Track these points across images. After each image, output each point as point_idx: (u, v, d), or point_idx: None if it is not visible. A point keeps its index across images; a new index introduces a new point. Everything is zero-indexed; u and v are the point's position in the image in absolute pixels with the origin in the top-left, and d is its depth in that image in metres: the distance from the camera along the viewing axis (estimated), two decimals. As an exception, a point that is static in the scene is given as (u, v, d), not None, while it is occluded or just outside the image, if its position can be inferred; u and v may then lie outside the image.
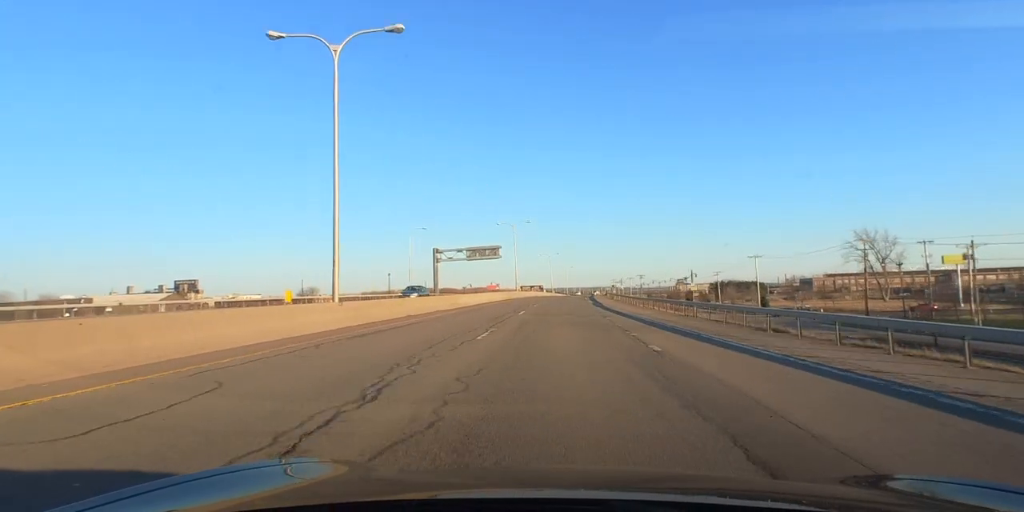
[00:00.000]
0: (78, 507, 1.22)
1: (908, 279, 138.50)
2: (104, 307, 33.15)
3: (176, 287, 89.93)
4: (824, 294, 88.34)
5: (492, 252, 63.00)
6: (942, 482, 1.80)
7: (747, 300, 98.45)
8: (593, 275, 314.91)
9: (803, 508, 1.35)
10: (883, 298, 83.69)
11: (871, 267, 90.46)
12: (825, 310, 68.73)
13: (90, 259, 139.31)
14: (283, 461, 3.47)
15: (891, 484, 1.81)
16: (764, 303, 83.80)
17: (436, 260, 64.21)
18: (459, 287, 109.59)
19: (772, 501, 1.37)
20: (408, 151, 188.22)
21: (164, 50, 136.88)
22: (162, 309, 30.80)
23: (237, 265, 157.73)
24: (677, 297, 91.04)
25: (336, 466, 2.35)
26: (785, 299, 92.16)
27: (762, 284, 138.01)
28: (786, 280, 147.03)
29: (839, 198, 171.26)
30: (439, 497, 1.51)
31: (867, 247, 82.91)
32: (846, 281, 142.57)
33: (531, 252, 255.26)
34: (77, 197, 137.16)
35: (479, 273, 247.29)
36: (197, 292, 78.81)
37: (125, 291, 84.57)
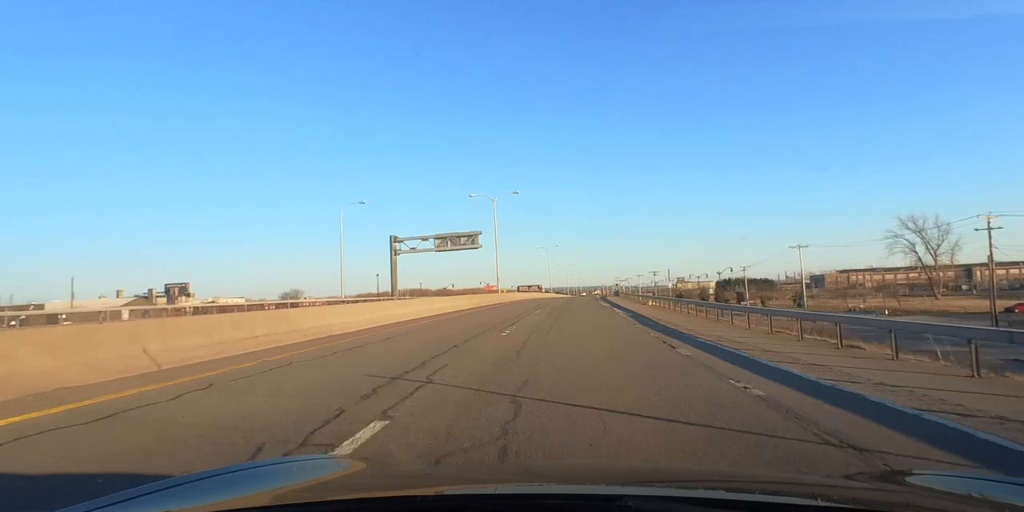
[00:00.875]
0: (97, 504, 1.21)
1: (926, 274, 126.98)
2: (58, 314, 28.29)
3: (166, 290, 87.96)
4: (889, 292, 74.60)
5: (469, 240, 47.30)
6: (961, 477, 1.84)
7: (772, 299, 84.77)
8: (593, 274, 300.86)
9: (822, 504, 1.25)
10: (935, 295, 70.79)
11: (919, 260, 77.58)
12: (890, 313, 55.38)
13: (86, 262, 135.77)
14: (299, 458, 3.13)
15: (910, 480, 1.72)
16: (800, 304, 70.05)
17: (394, 252, 48.34)
18: (443, 287, 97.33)
19: (790, 497, 1.33)
20: (408, 149, 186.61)
21: (158, 55, 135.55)
22: (125, 316, 25.16)
23: (231, 267, 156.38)
24: (691, 296, 77.72)
25: (353, 463, 2.22)
26: (811, 299, 78.00)
27: (769, 281, 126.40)
28: (787, 277, 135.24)
29: (850, 193, 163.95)
30: (453, 492, 1.47)
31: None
32: (860, 277, 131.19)
33: (527, 249, 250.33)
34: (72, 199, 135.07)
35: (461, 270, 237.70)
36: (188, 295, 79.22)
37: (115, 295, 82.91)
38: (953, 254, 74.37)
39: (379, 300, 31.04)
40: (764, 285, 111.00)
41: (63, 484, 3.68)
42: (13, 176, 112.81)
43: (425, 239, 48.51)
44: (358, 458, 2.56)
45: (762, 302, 71.48)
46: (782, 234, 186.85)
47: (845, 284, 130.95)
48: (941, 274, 74.77)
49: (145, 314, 26.47)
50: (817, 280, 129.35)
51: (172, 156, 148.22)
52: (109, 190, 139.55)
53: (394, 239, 48.35)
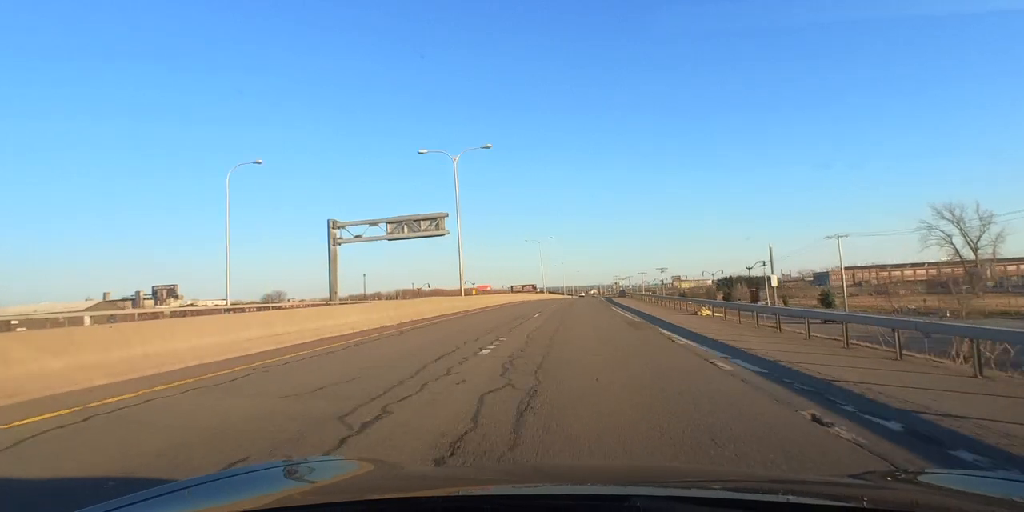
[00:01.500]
0: (107, 507, 1.19)
1: (934, 270, 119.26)
2: (10, 320, 24.04)
3: (154, 292, 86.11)
4: (913, 290, 65.04)
5: (432, 224, 35.86)
6: (974, 476, 1.75)
7: (793, 298, 74.99)
8: (591, 273, 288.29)
9: (831, 504, 1.25)
10: (975, 293, 61.71)
11: (956, 253, 68.44)
12: (951, 314, 45.76)
13: (87, 263, 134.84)
14: (308, 460, 2.83)
15: (921, 479, 1.68)
16: (829, 304, 60.31)
17: (333, 241, 36.71)
18: (412, 288, 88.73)
19: (798, 497, 1.30)
20: (407, 149, 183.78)
21: (147, 57, 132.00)
22: (87, 322, 21.13)
23: (222, 269, 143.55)
24: (691, 295, 67.87)
25: (361, 464, 2.09)
26: (837, 298, 68.11)
27: (771, 279, 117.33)
28: (784, 275, 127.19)
29: (856, 190, 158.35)
30: (462, 493, 1.43)
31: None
32: (865, 274, 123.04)
33: (523, 249, 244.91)
34: (71, 201, 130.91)
35: (437, 269, 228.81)
36: (176, 297, 78.28)
37: (102, 297, 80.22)
38: (995, 247, 65.12)
39: (266, 309, 19.84)
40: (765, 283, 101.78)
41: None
42: (16, 178, 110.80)
43: (374, 224, 36.90)
44: (366, 459, 2.41)
45: (784, 302, 61.57)
46: (782, 233, 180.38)
47: (850, 282, 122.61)
48: (981, 268, 65.31)
49: (111, 319, 23.29)
50: (820, 277, 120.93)
51: (171, 157, 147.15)
52: (107, 191, 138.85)
53: (332, 224, 36.68)
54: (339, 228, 36.85)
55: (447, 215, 35.44)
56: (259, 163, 32.03)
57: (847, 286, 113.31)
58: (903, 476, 1.84)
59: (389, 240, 36.68)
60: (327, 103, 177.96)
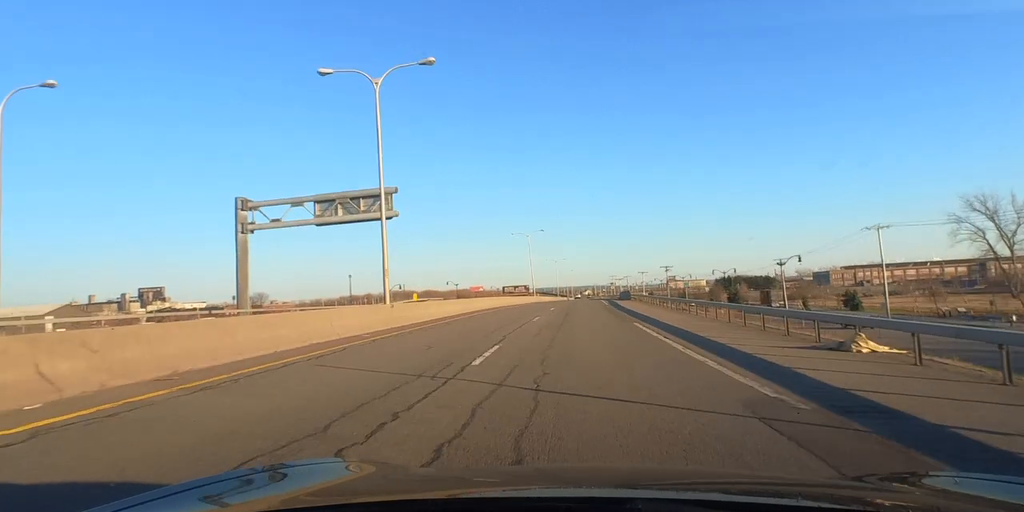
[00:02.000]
0: (113, 507, 1.18)
1: (937, 269, 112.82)
2: None
3: (140, 295, 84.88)
4: (928, 290, 57.34)
5: (375, 204, 26.81)
6: (979, 479, 1.70)
7: (812, 298, 67.23)
8: (586, 273, 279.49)
9: (835, 507, 1.21)
10: (1012, 293, 54.23)
11: (990, 249, 60.82)
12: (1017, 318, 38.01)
13: (72, 265, 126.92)
14: (309, 462, 2.82)
15: (926, 481, 1.63)
16: (856, 306, 52.61)
17: (242, 226, 27.44)
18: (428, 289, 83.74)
19: (801, 500, 1.27)
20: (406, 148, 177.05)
21: (135, 59, 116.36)
22: (48, 328, 20.79)
23: (215, 270, 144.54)
24: (688, 296, 59.71)
25: (363, 466, 2.08)
26: (867, 298, 60.26)
27: (770, 278, 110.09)
28: (776, 275, 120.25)
29: (861, 188, 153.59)
30: (463, 496, 1.43)
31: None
32: (867, 273, 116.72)
33: (519, 249, 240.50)
34: (64, 203, 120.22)
35: (433, 267, 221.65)
36: (163, 300, 77.59)
37: (87, 300, 77.63)
38: (1032, 241, 57.43)
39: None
40: (765, 283, 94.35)
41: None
42: (19, 179, 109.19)
43: (298, 203, 27.65)
44: (368, 462, 2.44)
45: (804, 304, 53.68)
46: (782, 233, 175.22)
47: (851, 281, 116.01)
48: (1015, 267, 57.75)
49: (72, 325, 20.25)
50: (820, 278, 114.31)
51: (174, 158, 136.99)
52: (108, 192, 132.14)
53: (242, 204, 27.40)
54: (251, 210, 27.65)
55: (396, 190, 26.38)
56: (53, 85, 22.74)
57: (849, 285, 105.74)
58: (907, 478, 1.75)
59: (318, 225, 27.55)
60: (325, 103, 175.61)
